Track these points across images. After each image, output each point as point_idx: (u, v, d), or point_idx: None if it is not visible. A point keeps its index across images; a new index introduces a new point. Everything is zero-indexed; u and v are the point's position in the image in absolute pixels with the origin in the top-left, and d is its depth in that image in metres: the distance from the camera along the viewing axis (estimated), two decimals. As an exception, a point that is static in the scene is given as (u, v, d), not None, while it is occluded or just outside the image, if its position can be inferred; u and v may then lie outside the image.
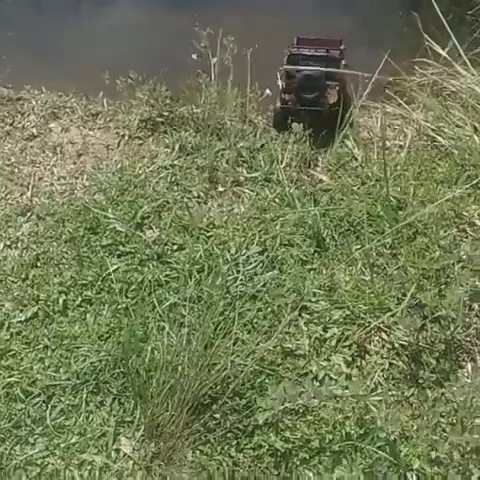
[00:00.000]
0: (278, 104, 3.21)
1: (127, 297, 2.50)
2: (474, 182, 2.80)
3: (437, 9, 3.66)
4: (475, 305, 2.44)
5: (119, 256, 2.64)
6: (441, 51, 3.45)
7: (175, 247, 2.66)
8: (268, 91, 3.24)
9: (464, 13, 4.36)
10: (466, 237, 2.66)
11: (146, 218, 2.76)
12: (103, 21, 4.03)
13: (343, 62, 3.18)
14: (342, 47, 3.23)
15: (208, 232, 2.71)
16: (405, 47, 3.80)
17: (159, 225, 2.73)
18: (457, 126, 3.03)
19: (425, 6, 4.40)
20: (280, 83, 3.21)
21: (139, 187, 2.87)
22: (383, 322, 2.39)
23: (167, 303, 2.46)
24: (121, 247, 2.65)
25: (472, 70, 3.31)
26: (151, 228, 2.72)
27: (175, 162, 2.97)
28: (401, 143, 3.08)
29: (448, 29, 3.56)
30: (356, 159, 3.00)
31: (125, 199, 2.81)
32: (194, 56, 3.32)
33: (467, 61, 3.37)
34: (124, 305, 2.46)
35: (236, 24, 3.93)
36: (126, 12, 4.20)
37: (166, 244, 2.67)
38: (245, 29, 3.83)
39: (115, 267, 2.58)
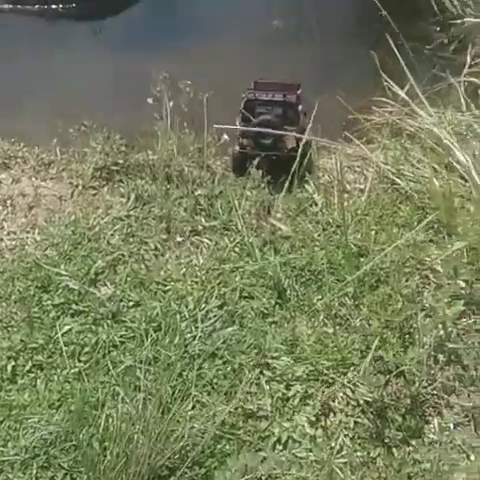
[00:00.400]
0: (236, 148, 3.17)
1: (80, 361, 2.38)
2: (435, 226, 2.79)
3: (393, 46, 3.70)
4: (440, 356, 2.38)
5: (72, 315, 2.53)
6: (399, 91, 3.46)
7: (131, 304, 2.56)
8: (225, 136, 3.19)
9: (423, 48, 4.42)
10: (428, 284, 2.61)
11: (100, 273, 2.66)
12: (56, 67, 3.98)
13: (300, 107, 3.16)
14: (299, 92, 3.22)
15: (165, 286, 2.62)
16: (364, 86, 3.80)
17: (114, 281, 2.63)
18: (417, 168, 3.01)
19: (384, 44, 4.48)
20: (238, 127, 3.18)
21: (93, 240, 2.77)
22: (347, 378, 2.32)
23: (122, 366, 2.34)
24: (74, 306, 2.54)
25: (430, 110, 3.32)
26: (106, 284, 2.62)
27: (131, 212, 2.88)
28: (361, 186, 3.04)
29: (404, 67, 3.60)
30: (316, 204, 2.96)
31: (78, 254, 2.71)
32: (150, 100, 3.26)
33: (424, 100, 3.37)
34: (77, 369, 2.34)
35: (193, 68, 3.94)
36: (80, 57, 4.21)
37: (121, 301, 2.56)
38: (202, 73, 3.81)
39: (68, 328, 2.47)
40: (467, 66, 3.73)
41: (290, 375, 2.34)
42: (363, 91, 3.85)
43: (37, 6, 4.70)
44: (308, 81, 4.28)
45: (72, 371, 2.33)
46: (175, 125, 3.23)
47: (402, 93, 3.42)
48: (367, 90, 3.84)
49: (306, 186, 3.01)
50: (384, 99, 3.52)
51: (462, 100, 3.45)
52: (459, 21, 4.38)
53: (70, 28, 4.70)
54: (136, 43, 4.46)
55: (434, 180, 2.84)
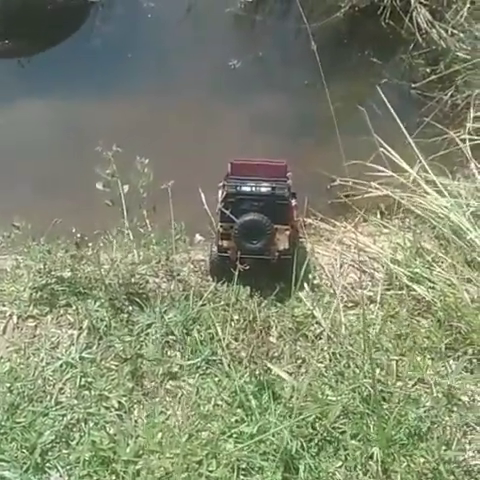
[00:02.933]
0: (214, 250, 2.52)
1: None
2: (469, 351, 2.26)
3: (380, 92, 3.18)
4: None
5: (13, 522, 1.88)
6: (403, 164, 2.91)
7: (93, 496, 1.93)
8: (198, 236, 2.58)
9: (408, 87, 3.92)
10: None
11: (49, 451, 2.00)
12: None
13: (294, 202, 2.57)
14: (289, 174, 2.60)
15: (136, 464, 1.99)
16: (356, 149, 3.25)
17: (68, 462, 1.99)
18: (437, 271, 2.47)
19: (362, 80, 3.96)
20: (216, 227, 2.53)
21: (36, 400, 2.09)
22: None
23: None
24: (14, 508, 1.90)
25: (438, 184, 2.79)
26: (57, 468, 1.98)
27: (84, 353, 2.22)
28: (370, 293, 2.49)
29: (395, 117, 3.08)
30: (318, 323, 2.38)
31: (18, 423, 2.04)
32: (99, 186, 2.61)
33: (428, 169, 2.85)
34: None
35: (149, 143, 3.31)
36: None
37: (80, 493, 1.93)
38: (162, 152, 3.19)
39: None
40: (471, 121, 3.24)
41: None
42: (357, 155, 3.33)
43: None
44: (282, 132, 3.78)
45: None
46: (132, 220, 2.62)
47: (404, 164, 2.89)
48: (362, 154, 3.33)
49: (302, 297, 2.43)
50: (381, 168, 2.99)
51: (472, 166, 2.96)
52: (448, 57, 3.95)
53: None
54: (73, 88, 3.82)
55: (463, 291, 2.32)
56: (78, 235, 2.86)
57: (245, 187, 2.46)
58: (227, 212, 2.42)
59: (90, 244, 2.61)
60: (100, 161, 2.55)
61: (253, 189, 2.46)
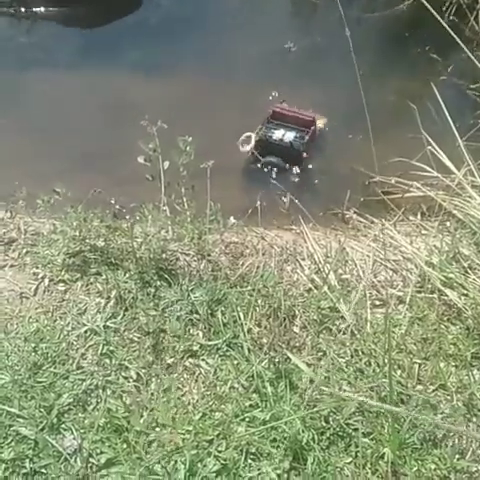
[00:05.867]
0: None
1: None
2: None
3: (435, 90, 3.08)
4: None
5: (25, 476, 1.95)
6: (447, 162, 2.84)
7: (103, 460, 1.97)
8: (232, 219, 2.58)
9: (466, 87, 3.80)
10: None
11: (65, 413, 2.05)
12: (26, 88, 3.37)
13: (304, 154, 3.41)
14: (312, 128, 3.50)
15: (148, 436, 2.03)
16: (404, 146, 3.18)
17: (82, 425, 2.03)
18: (472, 278, 2.41)
19: (419, 76, 3.85)
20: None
21: (58, 362, 2.14)
22: None
23: None
24: (28, 464, 1.94)
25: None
26: (71, 431, 2.02)
27: (109, 322, 2.26)
28: (399, 293, 2.45)
29: (449, 119, 2.98)
30: (343, 318, 2.36)
31: (38, 383, 2.10)
32: (140, 160, 2.63)
33: (476, 174, 2.77)
34: None
35: (194, 121, 3.32)
36: (55, 79, 3.60)
37: (90, 456, 1.98)
38: (206, 129, 3.20)
39: (16, 500, 1.88)
40: None
41: None
42: (399, 147, 3.25)
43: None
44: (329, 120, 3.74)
45: None
46: (170, 196, 2.64)
47: (453, 167, 2.82)
48: (402, 145, 3.25)
49: (328, 291, 2.41)
50: (426, 168, 2.92)
51: None
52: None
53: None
54: (124, 62, 3.85)
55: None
56: (117, 206, 2.93)
57: (272, 134, 3.47)
58: (256, 153, 3.39)
59: (127, 216, 2.66)
60: (144, 136, 2.59)
61: (278, 137, 3.47)
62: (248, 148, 3.45)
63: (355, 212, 3.05)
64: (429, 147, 2.86)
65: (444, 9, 4.11)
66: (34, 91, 3.69)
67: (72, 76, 3.72)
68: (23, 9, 4.00)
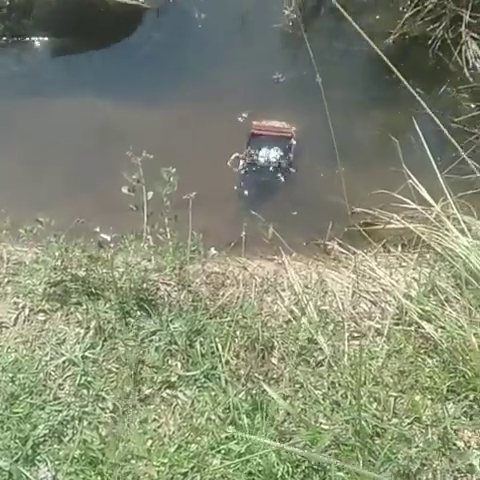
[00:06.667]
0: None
1: None
2: (471, 396, 2.22)
3: (415, 124, 3.13)
4: None
5: (-2, 509, 1.94)
6: (427, 196, 2.89)
7: (77, 493, 1.97)
8: (213, 250, 2.61)
9: (449, 120, 3.85)
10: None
11: (41, 444, 2.05)
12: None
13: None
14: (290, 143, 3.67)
15: (123, 469, 2.03)
16: (386, 179, 3.23)
17: (58, 456, 2.03)
18: (448, 311, 2.43)
19: (401, 108, 3.91)
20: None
21: (36, 393, 2.16)
22: None
23: None
24: (1, 496, 1.96)
25: (462, 225, 2.75)
26: (46, 462, 2.03)
27: (87, 353, 2.28)
28: (378, 326, 2.47)
29: (428, 151, 3.03)
30: (321, 349, 2.38)
31: (15, 413, 2.10)
32: (124, 190, 2.68)
33: (454, 207, 2.81)
34: None
35: (180, 155, 3.38)
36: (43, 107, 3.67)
37: (65, 488, 1.98)
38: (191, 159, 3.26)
39: None
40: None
41: None
42: (381, 179, 3.31)
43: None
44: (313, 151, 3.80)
45: None
46: (153, 226, 2.67)
47: (431, 200, 2.85)
48: (384, 178, 3.30)
49: (307, 322, 2.43)
50: (408, 202, 2.96)
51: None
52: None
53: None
54: (112, 91, 3.91)
55: (471, 335, 2.28)
56: (101, 235, 2.96)
57: (257, 156, 3.61)
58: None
59: (111, 244, 2.69)
60: (129, 164, 2.63)
61: (263, 159, 3.60)
62: (239, 168, 3.59)
63: (337, 243, 3.09)
64: (409, 181, 2.91)
65: (429, 43, 4.22)
66: (23, 119, 3.73)
67: (61, 104, 3.75)
68: (15, 39, 4.07)
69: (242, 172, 3.58)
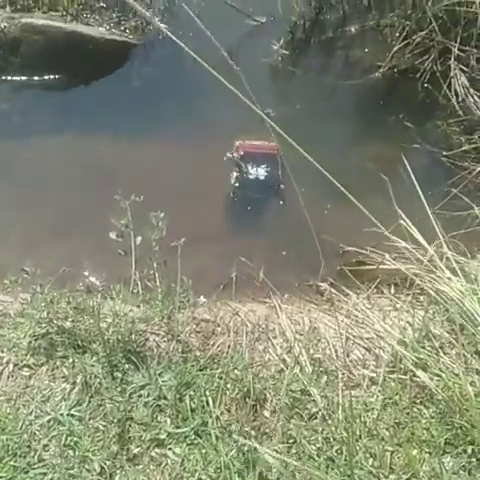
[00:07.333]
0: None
1: None
2: (469, 450, 2.15)
3: (405, 160, 3.08)
4: None
5: None
6: (421, 238, 2.85)
7: None
8: (203, 298, 2.56)
9: (439, 155, 3.83)
10: None
11: (24, 514, 1.99)
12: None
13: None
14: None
15: None
16: (379, 217, 3.18)
17: None
18: (443, 359, 2.37)
19: (394, 143, 3.89)
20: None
21: (20, 455, 2.07)
22: None
23: None
24: None
25: (458, 272, 2.70)
26: None
27: (73, 410, 2.20)
28: (372, 374, 2.41)
29: (417, 187, 2.99)
30: (314, 401, 2.31)
31: (-3, 481, 2.03)
32: (112, 235, 2.63)
33: (452, 260, 2.75)
34: None
35: (172, 194, 3.35)
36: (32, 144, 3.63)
37: None
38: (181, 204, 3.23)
39: None
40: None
41: None
42: (373, 217, 3.26)
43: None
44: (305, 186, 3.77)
45: None
46: (142, 271, 2.63)
47: (424, 242, 2.80)
48: (376, 215, 3.26)
49: (299, 373, 2.36)
50: (401, 242, 2.91)
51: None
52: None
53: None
54: (102, 129, 3.88)
55: (467, 384, 2.22)
56: (90, 278, 2.90)
57: (248, 176, 3.69)
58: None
59: (100, 290, 2.65)
60: (117, 209, 2.59)
61: (253, 178, 3.69)
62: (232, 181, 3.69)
63: (330, 282, 3.04)
64: (401, 221, 2.87)
65: (418, 76, 4.21)
66: (13, 158, 3.70)
67: (48, 144, 3.73)
68: (4, 77, 4.05)
69: (233, 191, 3.63)
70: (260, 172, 3.74)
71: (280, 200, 3.62)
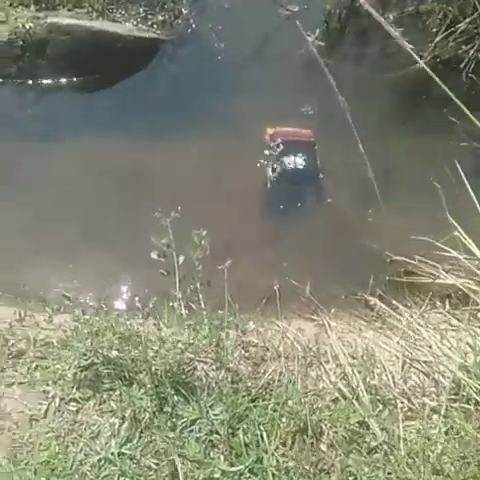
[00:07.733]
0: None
1: None
2: None
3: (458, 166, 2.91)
4: None
5: None
6: (476, 250, 2.69)
7: None
8: (252, 325, 2.45)
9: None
10: None
11: None
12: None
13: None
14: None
15: None
16: (431, 224, 3.03)
17: None
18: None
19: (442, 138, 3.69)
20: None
21: (71, 497, 2.03)
22: None
23: None
24: None
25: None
26: None
27: (124, 448, 2.12)
28: (432, 403, 2.29)
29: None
30: (373, 434, 2.20)
31: (48, 525, 1.96)
32: (154, 255, 2.52)
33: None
34: None
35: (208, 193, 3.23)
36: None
37: None
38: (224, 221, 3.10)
39: None
40: None
41: None
42: (424, 224, 3.10)
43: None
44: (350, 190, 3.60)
45: None
46: (185, 291, 2.53)
47: (478, 252, 2.66)
48: (428, 223, 3.10)
49: (357, 403, 2.25)
50: (452, 252, 2.78)
51: None
52: None
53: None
54: (130, 131, 3.73)
55: None
56: (137, 301, 2.77)
57: (286, 164, 3.53)
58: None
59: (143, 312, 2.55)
60: (151, 217, 2.48)
61: (291, 166, 3.53)
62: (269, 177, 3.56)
63: (379, 295, 2.91)
64: (456, 232, 2.71)
65: (462, 66, 4.00)
66: (37, 164, 3.58)
67: (76, 148, 3.60)
68: (30, 81, 3.92)
69: (271, 181, 3.52)
70: (298, 161, 3.56)
71: (320, 194, 3.49)
